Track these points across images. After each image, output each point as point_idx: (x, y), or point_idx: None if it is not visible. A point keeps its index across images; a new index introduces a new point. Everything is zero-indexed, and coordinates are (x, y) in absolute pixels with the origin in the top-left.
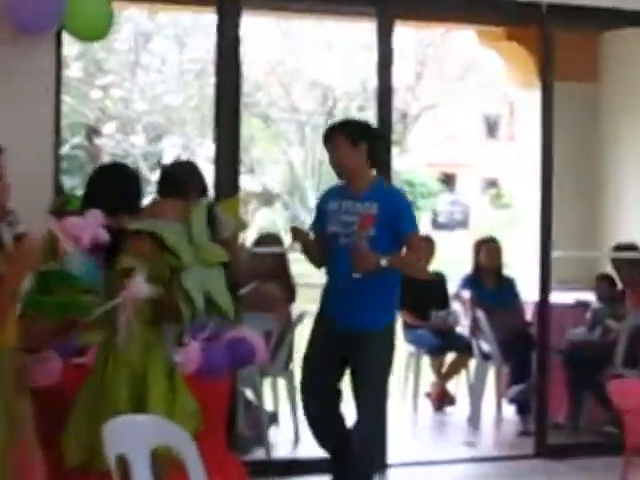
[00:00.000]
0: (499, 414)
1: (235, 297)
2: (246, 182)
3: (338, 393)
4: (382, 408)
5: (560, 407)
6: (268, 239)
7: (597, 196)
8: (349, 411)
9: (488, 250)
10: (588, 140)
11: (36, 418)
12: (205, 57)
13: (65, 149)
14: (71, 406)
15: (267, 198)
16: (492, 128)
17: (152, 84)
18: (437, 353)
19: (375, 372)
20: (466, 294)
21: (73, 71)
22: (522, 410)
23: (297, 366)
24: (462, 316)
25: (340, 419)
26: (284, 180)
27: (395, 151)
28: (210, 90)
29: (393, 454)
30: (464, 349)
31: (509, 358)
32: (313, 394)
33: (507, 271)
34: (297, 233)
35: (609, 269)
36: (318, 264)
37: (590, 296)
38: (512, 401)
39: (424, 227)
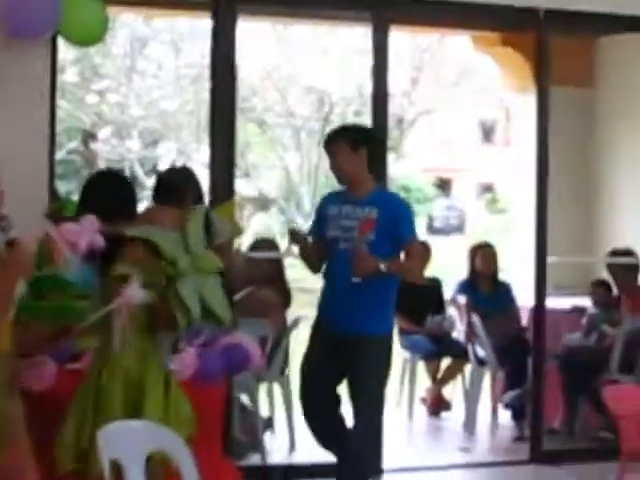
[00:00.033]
0: (494, 419)
1: (231, 303)
2: (242, 187)
3: (337, 397)
4: (378, 417)
5: (555, 412)
6: (264, 244)
7: (593, 201)
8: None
9: (484, 255)
10: (584, 145)
11: (30, 423)
12: (201, 62)
13: (61, 154)
14: (65, 412)
15: (263, 203)
16: (488, 133)
17: (148, 89)
18: (432, 358)
19: (372, 382)
20: (462, 299)
21: (69, 76)
22: (517, 415)
23: (293, 371)
24: (458, 321)
25: (341, 421)
26: (280, 185)
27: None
28: (206, 95)
29: (388, 459)
30: (460, 354)
31: (505, 363)
32: (312, 400)
33: (503, 276)
34: (295, 235)
35: (605, 274)
36: (315, 269)
37: (586, 301)
38: (507, 406)
39: (420, 232)
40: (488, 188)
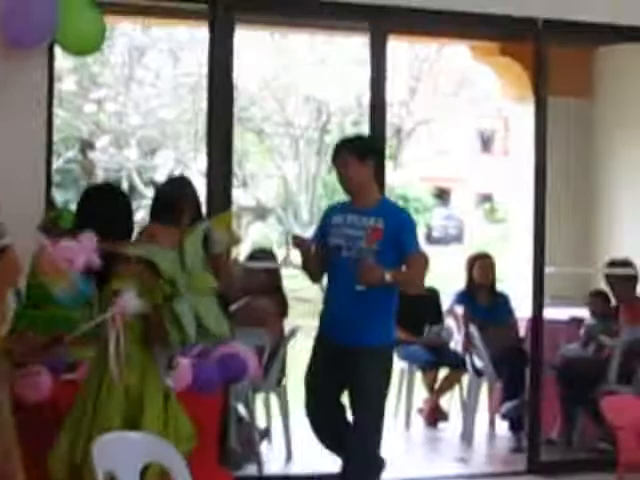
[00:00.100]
0: (492, 430)
1: (227, 312)
2: (240, 196)
3: (342, 407)
4: (378, 430)
5: (553, 423)
6: (261, 254)
7: (591, 211)
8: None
9: (481, 266)
10: (582, 155)
11: (25, 433)
12: (199, 71)
13: (59, 163)
14: (61, 423)
15: (260, 212)
16: (486, 143)
17: (146, 98)
18: (430, 369)
19: (373, 393)
20: (459, 310)
21: (67, 85)
22: (515, 426)
23: (290, 382)
24: (455, 332)
25: (348, 427)
26: (278, 195)
27: (389, 166)
28: (204, 104)
29: (386, 470)
30: (457, 365)
31: (502, 374)
32: (317, 412)
33: (501, 286)
34: (299, 242)
35: (603, 285)
36: (315, 278)
37: (584, 312)
38: (505, 417)
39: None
40: (487, 198)
